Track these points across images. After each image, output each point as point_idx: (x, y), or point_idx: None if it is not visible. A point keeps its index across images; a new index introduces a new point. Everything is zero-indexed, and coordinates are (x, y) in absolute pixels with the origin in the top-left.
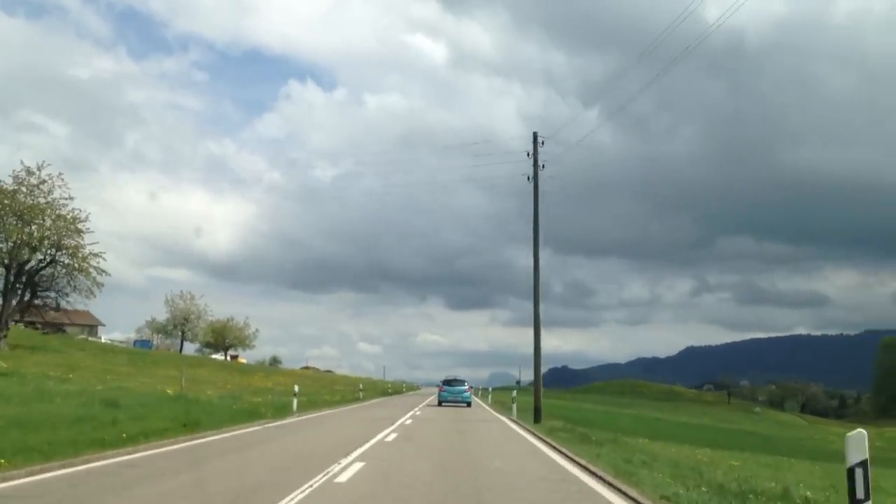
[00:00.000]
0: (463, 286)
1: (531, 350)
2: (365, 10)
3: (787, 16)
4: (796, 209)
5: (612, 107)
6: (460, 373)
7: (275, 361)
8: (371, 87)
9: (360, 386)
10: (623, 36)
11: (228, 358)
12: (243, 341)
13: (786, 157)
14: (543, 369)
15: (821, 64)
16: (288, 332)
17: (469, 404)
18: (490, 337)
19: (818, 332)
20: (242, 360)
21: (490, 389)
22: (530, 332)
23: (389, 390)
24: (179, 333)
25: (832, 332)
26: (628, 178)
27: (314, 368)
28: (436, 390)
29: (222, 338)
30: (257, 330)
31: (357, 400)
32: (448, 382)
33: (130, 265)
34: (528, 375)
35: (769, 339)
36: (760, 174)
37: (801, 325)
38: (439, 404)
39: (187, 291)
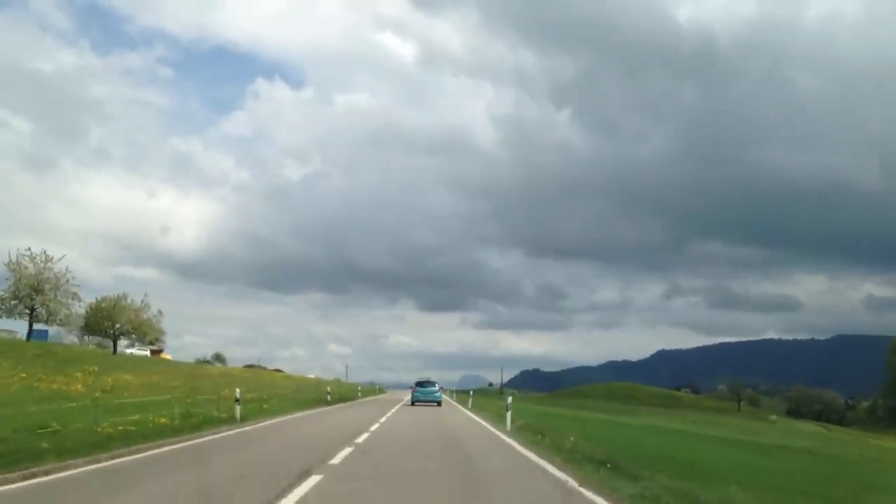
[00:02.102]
0: (434, 288)
1: (503, 353)
2: (332, 7)
3: (759, 18)
4: (768, 213)
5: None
6: (431, 375)
7: (218, 359)
8: (339, 85)
9: (238, 393)
10: (594, 36)
11: (149, 352)
12: (139, 327)
13: (757, 160)
14: (514, 372)
15: (792, 66)
16: (257, 332)
17: (439, 403)
18: (461, 339)
19: (789, 337)
20: (167, 355)
21: (509, 401)
22: (501, 335)
23: (329, 397)
24: (27, 312)
25: (803, 336)
26: (599, 181)
27: (260, 367)
28: (402, 395)
29: (110, 322)
30: (160, 312)
31: (212, 426)
32: (420, 384)
33: (96, 264)
34: (505, 376)
35: (740, 343)
36: (732, 177)
37: (771, 329)
38: (412, 404)
39: (41, 251)
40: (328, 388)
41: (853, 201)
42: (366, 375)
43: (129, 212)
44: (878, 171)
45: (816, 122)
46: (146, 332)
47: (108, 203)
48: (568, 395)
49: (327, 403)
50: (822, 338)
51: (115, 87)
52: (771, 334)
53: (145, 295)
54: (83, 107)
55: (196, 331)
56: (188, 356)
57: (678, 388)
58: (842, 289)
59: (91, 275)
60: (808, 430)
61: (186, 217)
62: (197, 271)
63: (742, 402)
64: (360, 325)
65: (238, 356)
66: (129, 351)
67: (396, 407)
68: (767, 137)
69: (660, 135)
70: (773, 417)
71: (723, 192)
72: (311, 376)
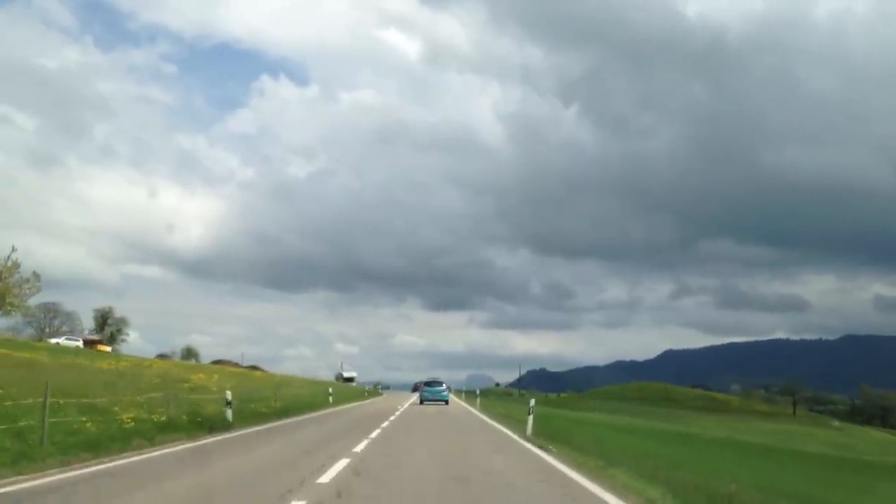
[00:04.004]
0: (441, 287)
1: (510, 352)
2: (337, 3)
3: (769, 14)
4: (777, 212)
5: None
6: (437, 375)
7: (190, 353)
8: (344, 82)
9: None
10: (602, 32)
11: (81, 343)
12: (2, 296)
13: (767, 158)
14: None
15: (802, 64)
16: (263, 331)
17: (447, 402)
18: (467, 338)
19: (797, 337)
20: (104, 347)
21: None
22: (508, 334)
23: (229, 412)
24: None
25: (811, 336)
26: (607, 178)
27: (231, 363)
28: (401, 399)
29: None
30: (36, 276)
31: None
32: (428, 384)
33: (102, 261)
34: (512, 376)
35: (748, 343)
36: (742, 175)
37: (780, 329)
38: (421, 402)
39: None
40: (228, 396)
41: (862, 201)
42: (372, 375)
43: (134, 209)
44: (888, 170)
45: (826, 120)
46: (13, 303)
47: (113, 200)
48: (595, 397)
49: (213, 431)
50: (830, 338)
51: (119, 84)
52: (779, 334)
53: (13, 248)
54: (88, 103)
55: (201, 329)
56: (153, 351)
57: (693, 388)
58: (850, 289)
59: (96, 273)
60: (876, 438)
61: (192, 215)
62: (202, 269)
63: (754, 402)
64: (367, 324)
65: (240, 354)
66: (55, 341)
67: (361, 445)
68: (777, 136)
69: (668, 132)
70: (836, 423)
71: (731, 191)
72: (356, 373)
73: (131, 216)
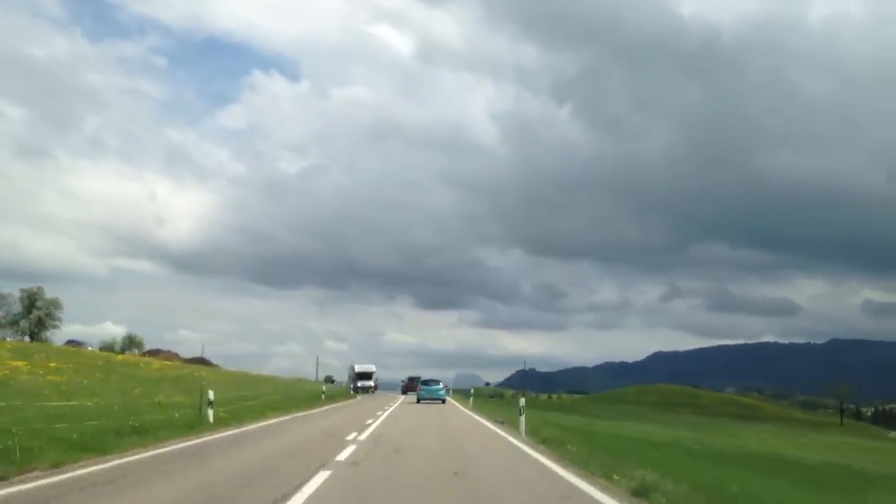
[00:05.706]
0: (432, 286)
1: (499, 352)
2: None
3: (764, 17)
4: (769, 215)
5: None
6: (426, 373)
7: (132, 343)
8: (336, 78)
9: None
10: (597, 31)
11: None
12: None
13: (760, 161)
14: (509, 372)
15: (796, 67)
16: (252, 327)
17: (444, 401)
18: (458, 337)
19: (786, 341)
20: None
21: None
22: (498, 334)
23: None
24: None
25: (799, 340)
26: (601, 179)
27: (173, 354)
28: (381, 399)
29: None
30: None
31: None
32: (425, 382)
33: (91, 255)
34: (501, 376)
35: (737, 346)
36: (734, 178)
37: (769, 332)
38: (418, 401)
39: None
40: None
41: (854, 206)
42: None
43: (124, 203)
44: (879, 176)
45: (820, 124)
46: None
47: (103, 193)
48: (604, 401)
49: None
50: (819, 342)
51: (108, 76)
52: (768, 338)
53: None
54: (77, 95)
55: (190, 324)
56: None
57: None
58: (840, 293)
59: (85, 266)
60: None
61: (182, 209)
62: (192, 264)
63: (791, 409)
64: (358, 321)
65: (230, 351)
66: None
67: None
68: (770, 139)
69: (662, 133)
70: (893, 434)
71: (724, 194)
72: (374, 366)
73: (121, 209)
